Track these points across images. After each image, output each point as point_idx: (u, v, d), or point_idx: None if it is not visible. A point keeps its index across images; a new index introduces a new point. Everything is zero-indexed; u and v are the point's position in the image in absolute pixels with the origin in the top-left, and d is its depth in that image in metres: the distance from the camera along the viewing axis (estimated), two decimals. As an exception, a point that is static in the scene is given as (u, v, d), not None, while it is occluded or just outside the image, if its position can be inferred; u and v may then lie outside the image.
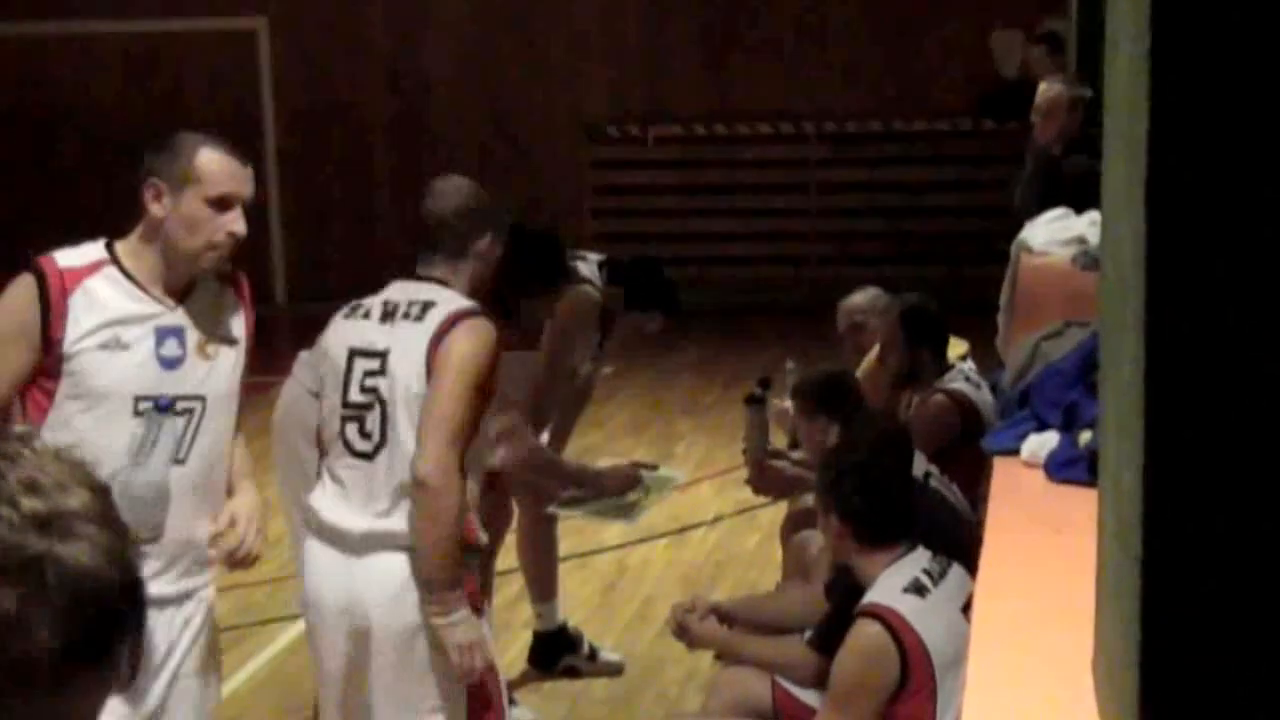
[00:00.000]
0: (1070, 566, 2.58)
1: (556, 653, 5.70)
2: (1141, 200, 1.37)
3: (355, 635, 3.66)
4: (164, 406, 3.33)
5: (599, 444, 8.30)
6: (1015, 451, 3.31)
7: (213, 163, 3.32)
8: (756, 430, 5.31)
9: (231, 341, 3.46)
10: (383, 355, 3.64)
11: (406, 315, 3.65)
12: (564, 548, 5.90)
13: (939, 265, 12.05)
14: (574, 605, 6.12)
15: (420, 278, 3.77)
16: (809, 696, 4.06)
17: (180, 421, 3.36)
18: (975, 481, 4.55)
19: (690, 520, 7.40)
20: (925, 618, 3.68)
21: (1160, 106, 1.34)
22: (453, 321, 3.60)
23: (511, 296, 4.88)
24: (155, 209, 3.32)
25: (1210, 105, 1.32)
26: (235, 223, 3.33)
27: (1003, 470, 3.25)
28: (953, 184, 12.42)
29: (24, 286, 3.29)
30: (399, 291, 3.75)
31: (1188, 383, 1.35)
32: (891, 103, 12.63)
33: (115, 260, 3.35)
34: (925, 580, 3.77)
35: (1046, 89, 7.20)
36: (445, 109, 13.03)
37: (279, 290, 13.13)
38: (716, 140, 12.80)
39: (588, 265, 5.37)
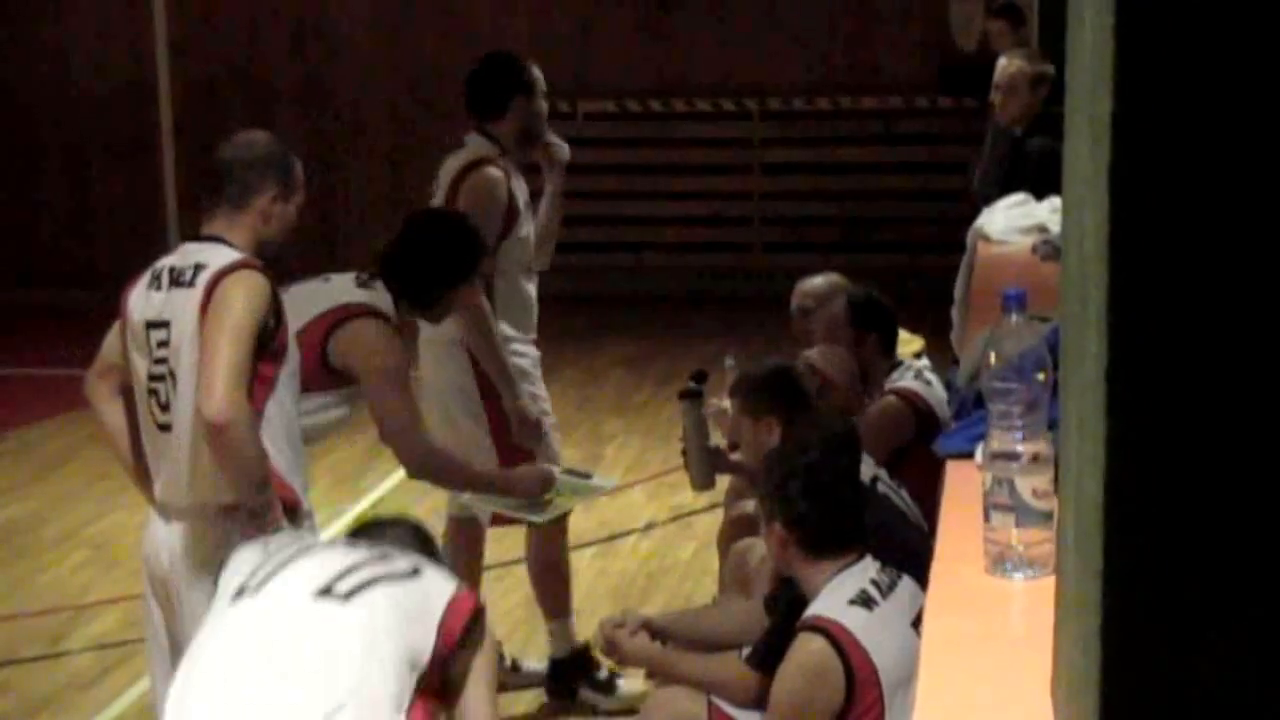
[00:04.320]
0: (1029, 581, 2.60)
1: None
2: (1105, 186, 1.37)
3: (167, 603, 3.99)
4: None
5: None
6: (969, 455, 3.31)
7: None
8: (695, 427, 5.30)
9: None
10: (167, 325, 3.90)
11: (181, 282, 3.90)
12: (485, 556, 5.88)
13: (893, 253, 12.11)
14: (495, 618, 6.08)
15: (201, 237, 4.01)
16: (748, 718, 4.07)
17: None
18: (928, 487, 4.57)
19: (620, 527, 7.40)
20: (873, 632, 3.70)
21: (1126, 84, 1.34)
22: (218, 279, 3.83)
23: (434, 287, 4.79)
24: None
25: (1180, 83, 1.32)
26: None
27: (956, 475, 3.26)
28: (908, 166, 12.47)
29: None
30: (180, 255, 3.97)
31: (1154, 382, 1.36)
32: (842, 77, 12.66)
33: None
34: (873, 592, 3.77)
35: (1006, 64, 7.24)
36: (356, 76, 12.95)
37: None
38: (651, 117, 12.79)
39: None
